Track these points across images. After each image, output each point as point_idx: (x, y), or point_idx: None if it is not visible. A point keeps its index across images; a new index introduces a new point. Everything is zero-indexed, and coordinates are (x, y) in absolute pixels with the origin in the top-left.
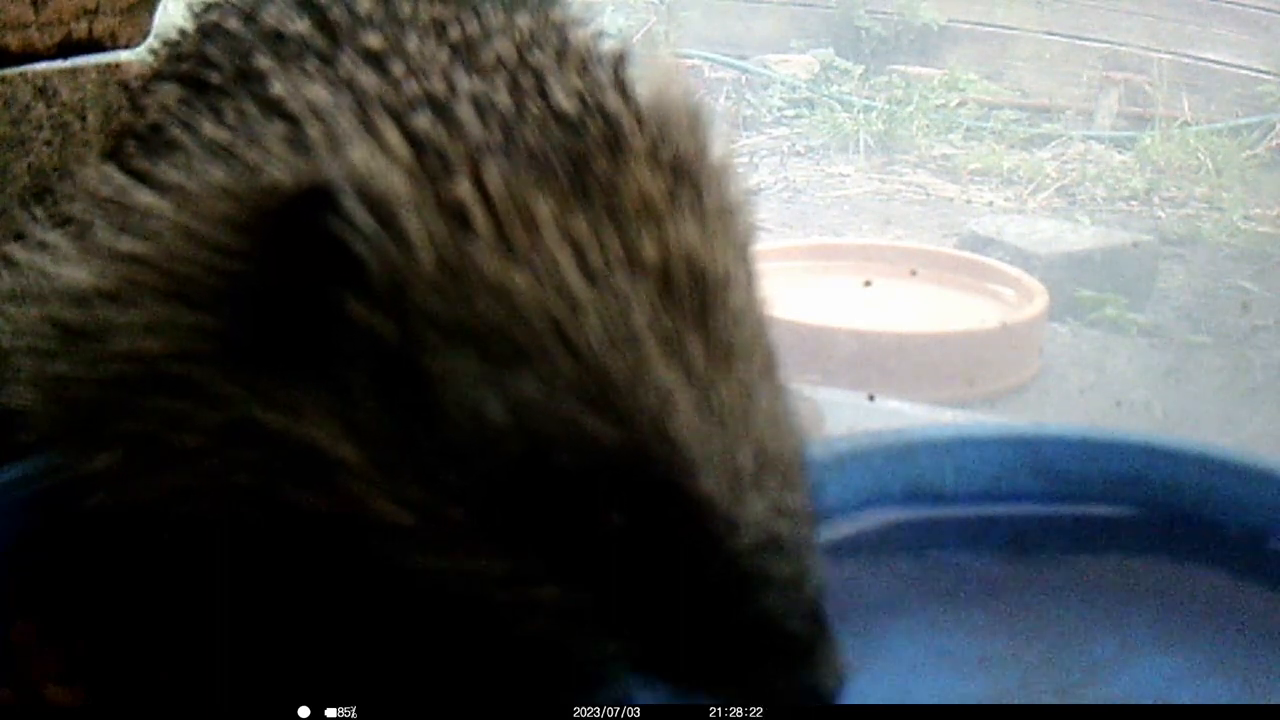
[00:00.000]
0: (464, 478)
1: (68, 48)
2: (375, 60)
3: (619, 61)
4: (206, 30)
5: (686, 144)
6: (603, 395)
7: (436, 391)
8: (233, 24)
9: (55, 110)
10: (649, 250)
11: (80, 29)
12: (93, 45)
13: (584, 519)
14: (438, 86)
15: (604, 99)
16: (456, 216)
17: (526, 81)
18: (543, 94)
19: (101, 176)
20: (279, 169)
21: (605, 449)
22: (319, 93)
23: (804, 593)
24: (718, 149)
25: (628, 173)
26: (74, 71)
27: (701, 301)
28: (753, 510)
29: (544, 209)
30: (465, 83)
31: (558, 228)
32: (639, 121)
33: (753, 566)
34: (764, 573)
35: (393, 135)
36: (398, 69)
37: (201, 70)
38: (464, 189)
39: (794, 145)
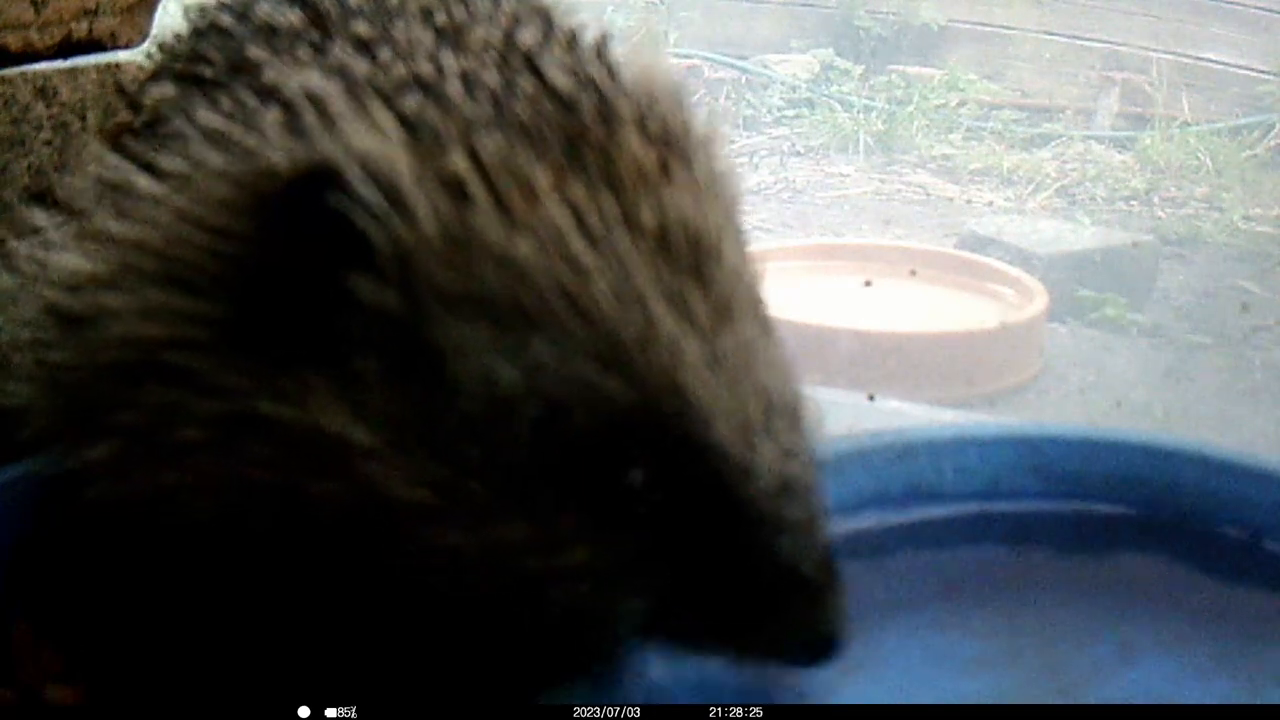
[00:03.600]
0: (481, 449)
1: (68, 48)
2: (364, 47)
3: (601, 42)
4: (200, 30)
5: (672, 115)
6: (613, 354)
7: (448, 364)
8: (226, 21)
9: (55, 110)
10: (646, 214)
11: (80, 29)
12: (93, 45)
13: (603, 478)
14: (425, 68)
15: (593, 74)
16: (454, 189)
17: (515, 60)
18: (532, 70)
19: (98, 163)
20: (277, 152)
21: (620, 406)
22: (311, 78)
23: (815, 536)
24: (700, 121)
25: (620, 142)
26: (74, 71)
27: (698, 261)
28: (764, 455)
29: (541, 177)
30: (453, 63)
31: (556, 195)
32: (625, 95)
33: (768, 511)
34: (779, 516)
35: (384, 116)
36: (386, 54)
37: (196, 67)
38: (459, 162)
39: (794, 145)
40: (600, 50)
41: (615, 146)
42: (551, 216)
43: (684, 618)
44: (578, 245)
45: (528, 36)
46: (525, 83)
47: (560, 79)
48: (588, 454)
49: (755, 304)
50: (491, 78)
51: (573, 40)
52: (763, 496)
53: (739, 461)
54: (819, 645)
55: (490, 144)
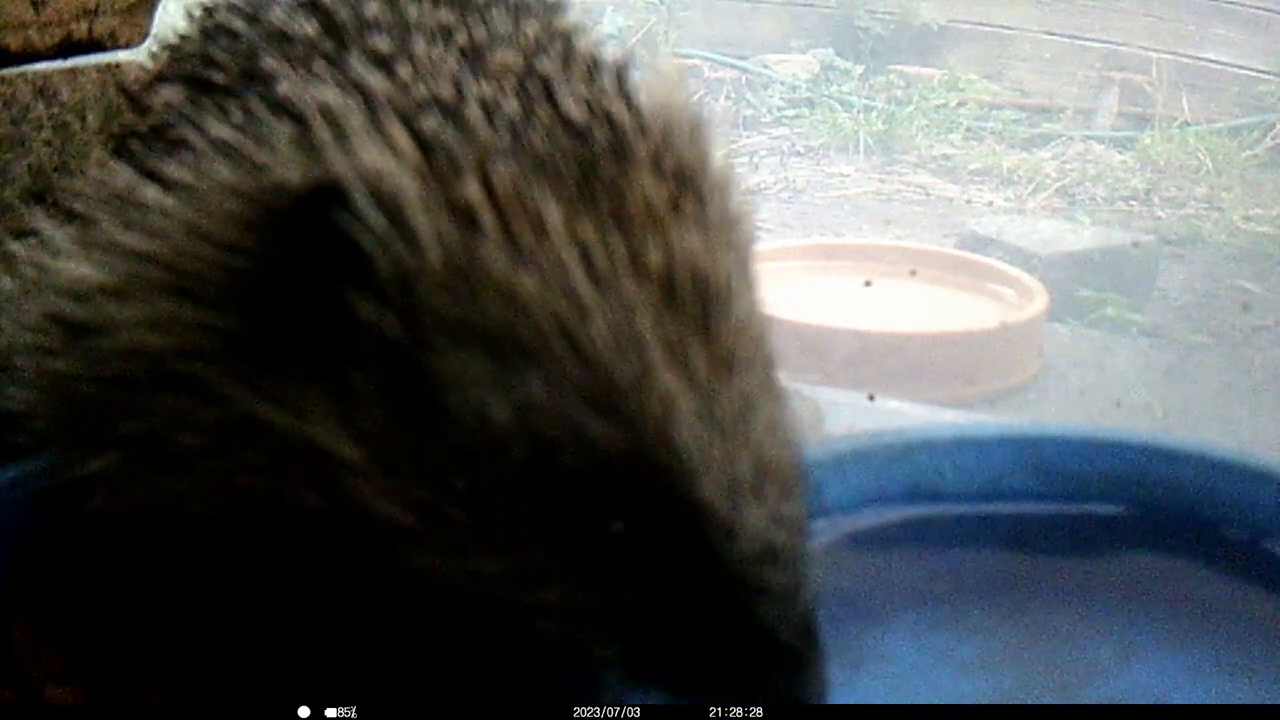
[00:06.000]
0: (467, 479)
1: (68, 48)
2: (383, 63)
3: (622, 69)
4: (209, 32)
5: (689, 153)
6: (606, 399)
7: (441, 391)
8: (237, 25)
9: (55, 110)
10: (654, 257)
11: (80, 29)
12: (93, 45)
13: (585, 523)
14: (446, 90)
15: (610, 107)
16: (464, 217)
17: (534, 88)
18: (550, 100)
19: (106, 172)
20: (287, 168)
21: (608, 452)
22: (327, 93)
23: (797, 604)
24: (719, 157)
25: (633, 180)
26: (74, 71)
27: (704, 310)
28: (751, 519)
29: (551, 212)
30: (473, 87)
31: (565, 230)
32: (642, 130)
33: (749, 575)
34: (759, 582)
35: (401, 136)
36: (405, 72)
37: (205, 71)
38: (472, 190)
39: (794, 145)
40: (620, 77)
41: (627, 183)
42: (558, 253)
43: (660, 670)
44: (581, 284)
45: (548, 63)
46: (542, 112)
47: (576, 111)
48: (571, 496)
49: (759, 357)
50: (510, 105)
51: (593, 67)
52: (745, 560)
53: (723, 522)
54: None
55: (504, 173)
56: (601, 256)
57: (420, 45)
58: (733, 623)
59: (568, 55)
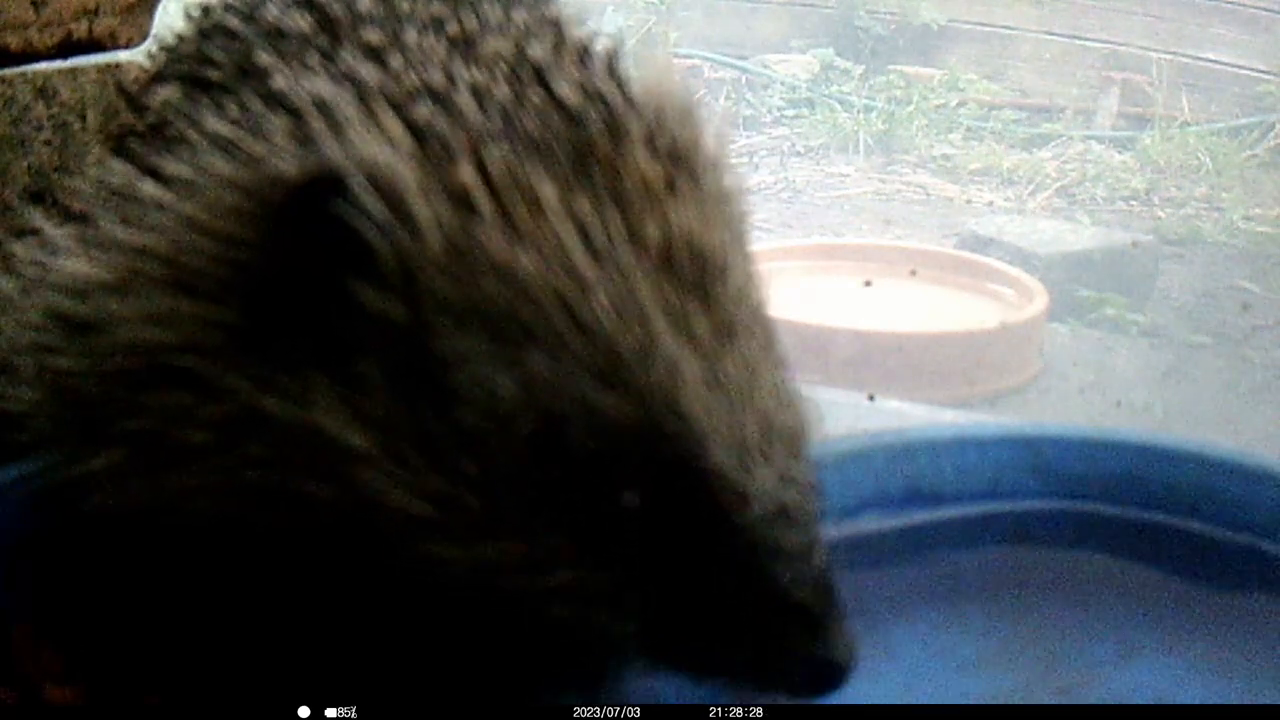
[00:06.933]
0: (478, 462)
1: (68, 48)
2: (375, 54)
3: (613, 56)
4: (206, 31)
5: (681, 133)
6: (612, 370)
7: (448, 374)
8: (233, 23)
9: (55, 110)
10: (651, 231)
11: (80, 29)
12: (93, 45)
13: (598, 497)
14: (437, 78)
15: (603, 89)
16: (461, 201)
17: (525, 73)
18: (542, 84)
19: (105, 171)
20: (284, 160)
21: (616, 424)
22: (321, 85)
23: (813, 563)
24: (711, 139)
25: (627, 158)
26: (74, 71)
27: (703, 280)
28: (761, 481)
29: (547, 191)
30: (464, 74)
31: (561, 208)
32: (635, 111)
33: (763, 537)
34: (774, 543)
35: (394, 125)
36: (397, 62)
37: (202, 69)
38: (467, 173)
39: (794, 145)
40: (611, 64)
41: (622, 162)
42: (556, 230)
43: (678, 644)
44: (580, 260)
45: (539, 50)
46: (535, 96)
47: (569, 93)
48: (582, 471)
49: (759, 325)
50: (502, 91)
51: (584, 53)
52: (758, 522)
53: (735, 486)
54: (818, 673)
55: (498, 156)
56: (599, 232)
57: (411, 36)
58: (749, 586)
59: (559, 42)
